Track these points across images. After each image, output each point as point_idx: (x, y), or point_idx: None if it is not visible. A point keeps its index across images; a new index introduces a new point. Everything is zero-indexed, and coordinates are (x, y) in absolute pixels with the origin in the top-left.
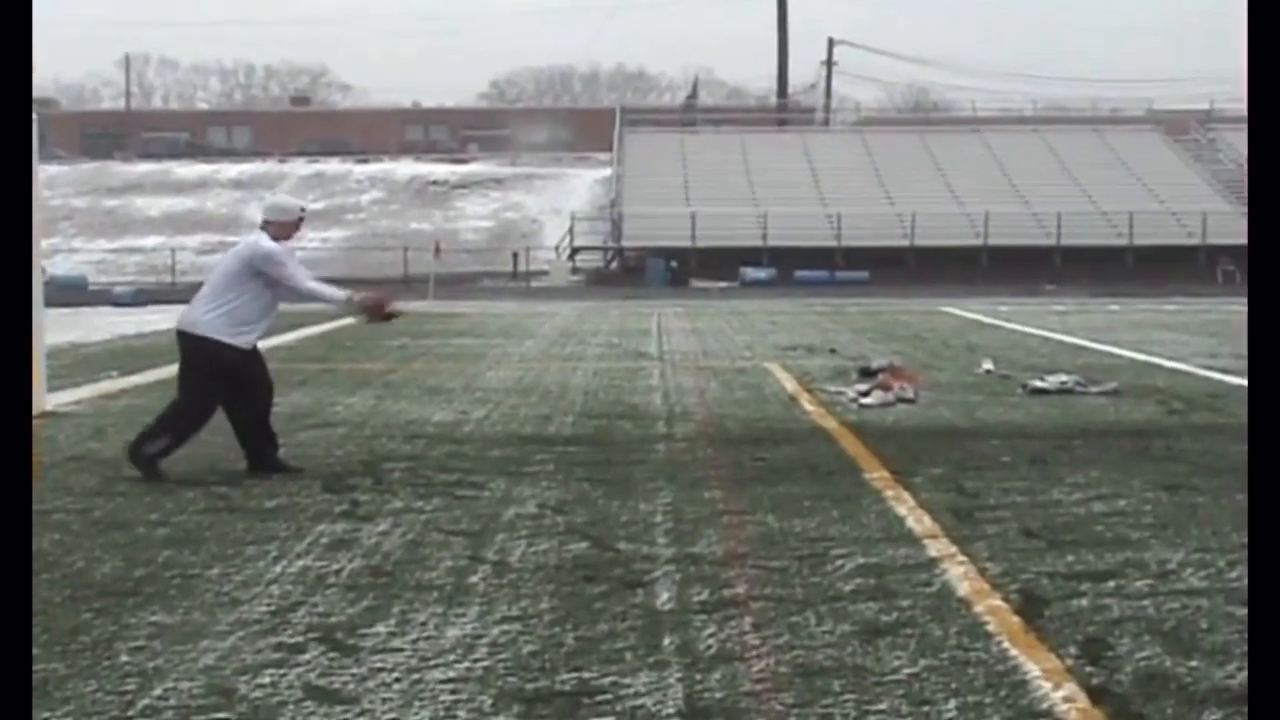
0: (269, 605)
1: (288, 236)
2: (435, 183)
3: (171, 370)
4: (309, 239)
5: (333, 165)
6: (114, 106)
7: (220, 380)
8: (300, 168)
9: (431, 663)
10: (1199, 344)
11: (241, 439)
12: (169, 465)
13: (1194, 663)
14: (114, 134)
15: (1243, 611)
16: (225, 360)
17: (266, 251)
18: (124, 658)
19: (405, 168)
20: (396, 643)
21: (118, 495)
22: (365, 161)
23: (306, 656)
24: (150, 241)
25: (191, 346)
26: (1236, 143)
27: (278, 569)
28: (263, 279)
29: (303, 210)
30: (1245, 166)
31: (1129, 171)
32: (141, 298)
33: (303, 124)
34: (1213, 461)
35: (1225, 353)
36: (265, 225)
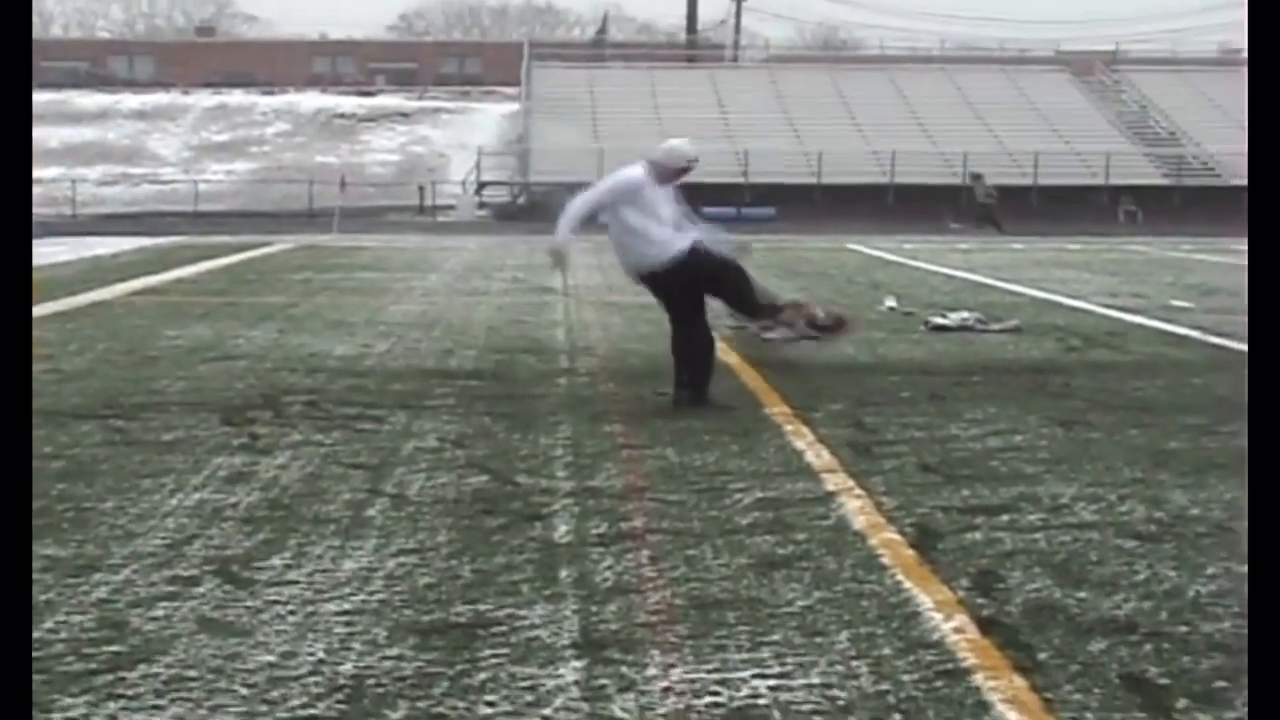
0: (164, 538)
1: (670, 180)
2: (341, 116)
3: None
4: (213, 171)
5: (237, 97)
6: None
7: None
8: (204, 99)
9: (326, 595)
10: (1100, 282)
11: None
12: None
13: (1082, 594)
14: None
15: (1131, 544)
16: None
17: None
18: None
19: (311, 100)
20: (292, 575)
21: None
22: (271, 94)
23: (201, 589)
24: (50, 173)
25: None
26: (1140, 84)
27: (174, 502)
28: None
29: (693, 160)
30: (1146, 108)
31: (1035, 111)
32: (40, 230)
33: (207, 55)
34: (1107, 399)
35: (1124, 291)
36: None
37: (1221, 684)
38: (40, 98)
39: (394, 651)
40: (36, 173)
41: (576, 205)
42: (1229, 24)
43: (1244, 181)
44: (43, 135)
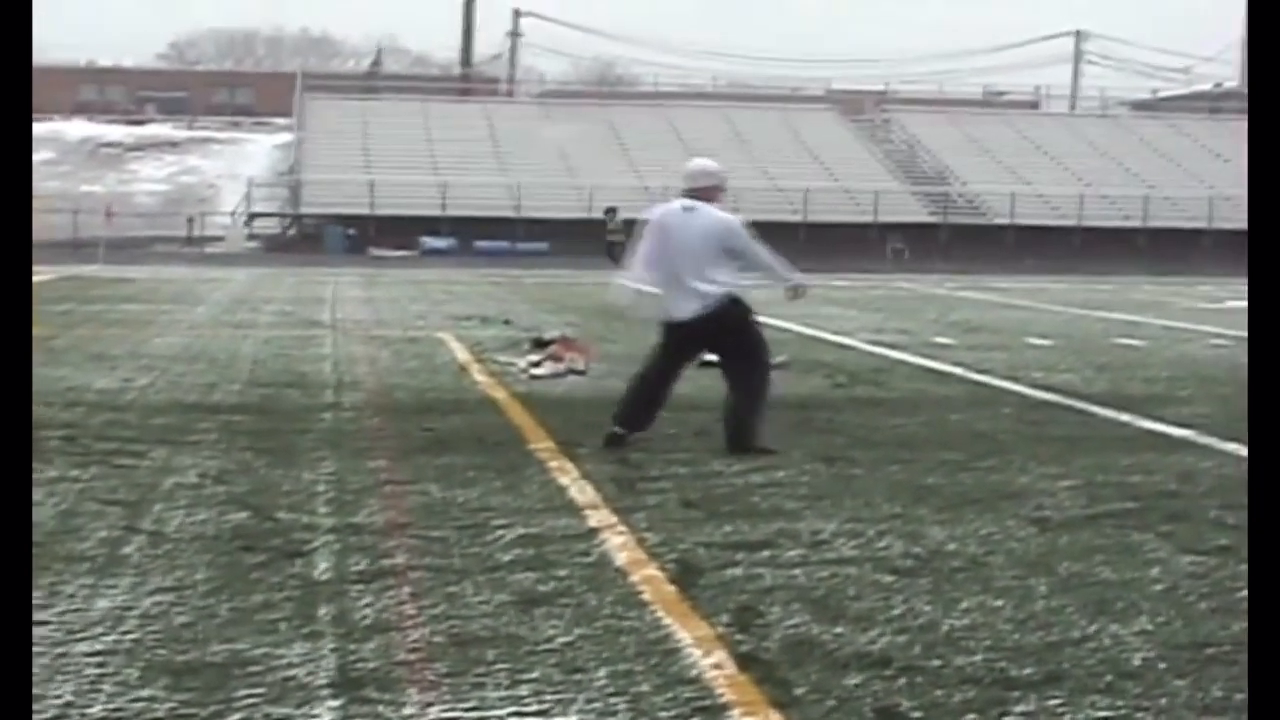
0: None
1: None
2: (109, 144)
3: None
4: None
5: None
6: None
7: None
8: None
9: (78, 635)
10: (866, 319)
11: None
12: None
13: (839, 629)
14: None
15: (889, 578)
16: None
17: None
18: None
19: (78, 128)
20: (42, 615)
21: None
22: (36, 120)
23: None
24: None
25: (721, 314)
26: (908, 123)
27: None
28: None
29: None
30: (914, 147)
31: (805, 149)
32: None
33: None
34: (870, 434)
35: (890, 328)
36: (699, 193)
37: (972, 716)
38: None
39: (146, 692)
40: None
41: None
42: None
43: (1007, 220)
44: None
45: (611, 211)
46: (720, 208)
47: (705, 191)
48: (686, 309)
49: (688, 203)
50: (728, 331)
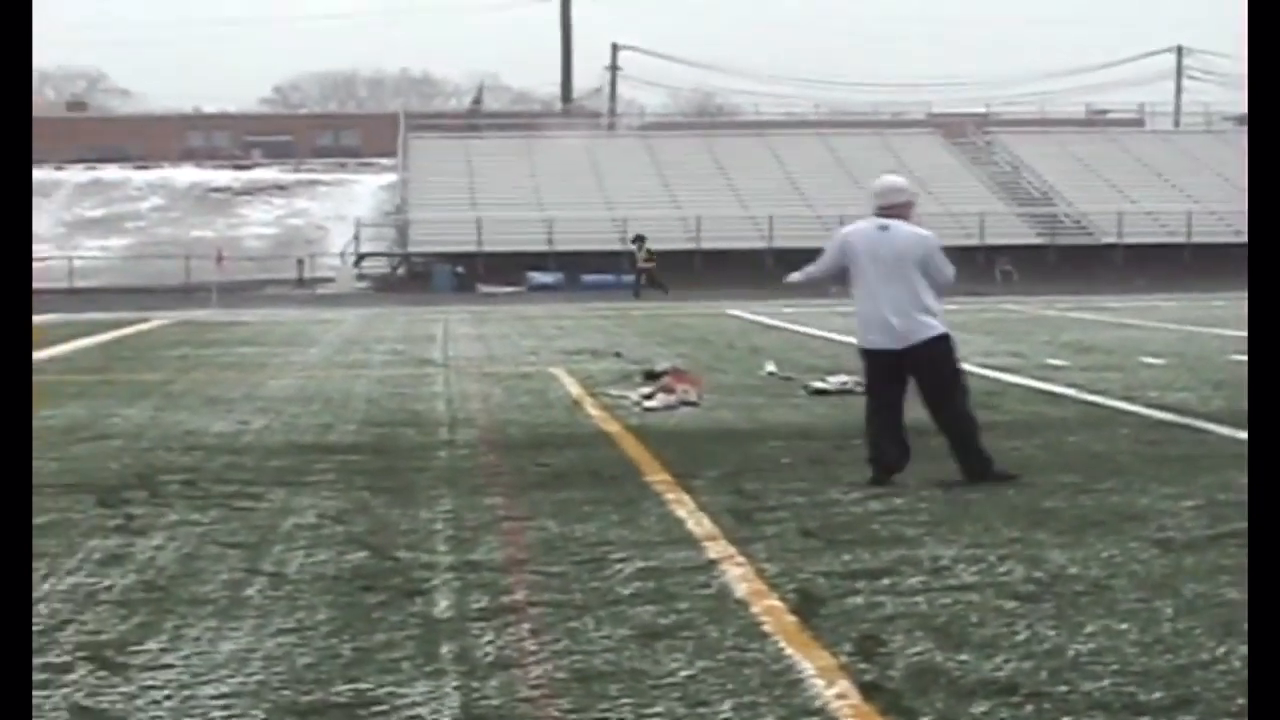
0: (36, 625)
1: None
2: (217, 189)
3: None
4: (87, 247)
5: (111, 172)
6: None
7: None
8: (77, 175)
9: (203, 679)
10: (977, 343)
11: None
12: None
13: (964, 656)
14: None
15: (1011, 604)
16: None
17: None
18: None
19: (186, 174)
20: (168, 659)
21: None
22: (145, 168)
23: (73, 676)
24: None
25: (936, 346)
26: (1011, 145)
27: (46, 586)
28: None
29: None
30: (1018, 168)
31: (909, 173)
32: None
33: (79, 130)
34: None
35: (1001, 350)
36: (891, 210)
37: None
38: None
39: None
40: None
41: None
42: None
43: (1115, 239)
44: None
45: (640, 240)
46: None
47: (898, 209)
48: (885, 339)
49: (882, 221)
50: (932, 366)
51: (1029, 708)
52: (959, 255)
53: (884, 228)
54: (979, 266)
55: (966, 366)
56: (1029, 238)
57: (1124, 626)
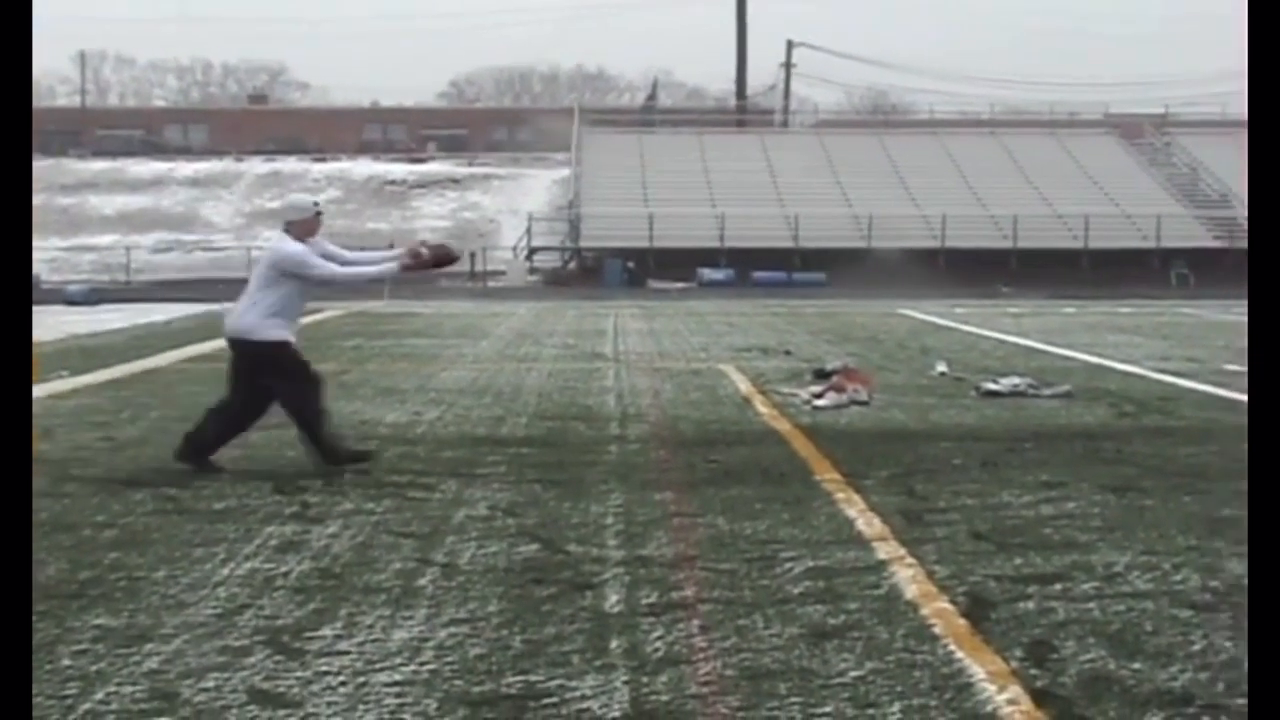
0: (215, 608)
1: (311, 234)
2: (393, 182)
3: (123, 370)
4: (264, 236)
5: (290, 164)
6: (69, 104)
7: (280, 378)
8: (257, 166)
9: (377, 666)
10: (1152, 347)
11: (310, 436)
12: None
13: (1137, 665)
14: (69, 131)
15: (1186, 613)
16: (285, 357)
17: (288, 253)
18: (66, 661)
19: (363, 167)
20: (342, 645)
21: (64, 497)
22: (323, 160)
23: (252, 660)
24: (105, 240)
25: (250, 352)
26: (1190, 146)
27: (225, 571)
28: (297, 278)
29: (317, 205)
30: (1197, 170)
31: (1085, 175)
32: (94, 297)
33: (260, 122)
34: (1161, 464)
35: (1177, 355)
36: (288, 227)
37: None
38: (96, 166)
39: None
40: (92, 240)
41: None
42: None
43: None
44: (98, 203)
45: None
46: None
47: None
48: None
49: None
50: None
51: (1205, 719)
52: (1136, 258)
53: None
54: (1154, 270)
55: (1140, 370)
56: (1206, 241)
57: None
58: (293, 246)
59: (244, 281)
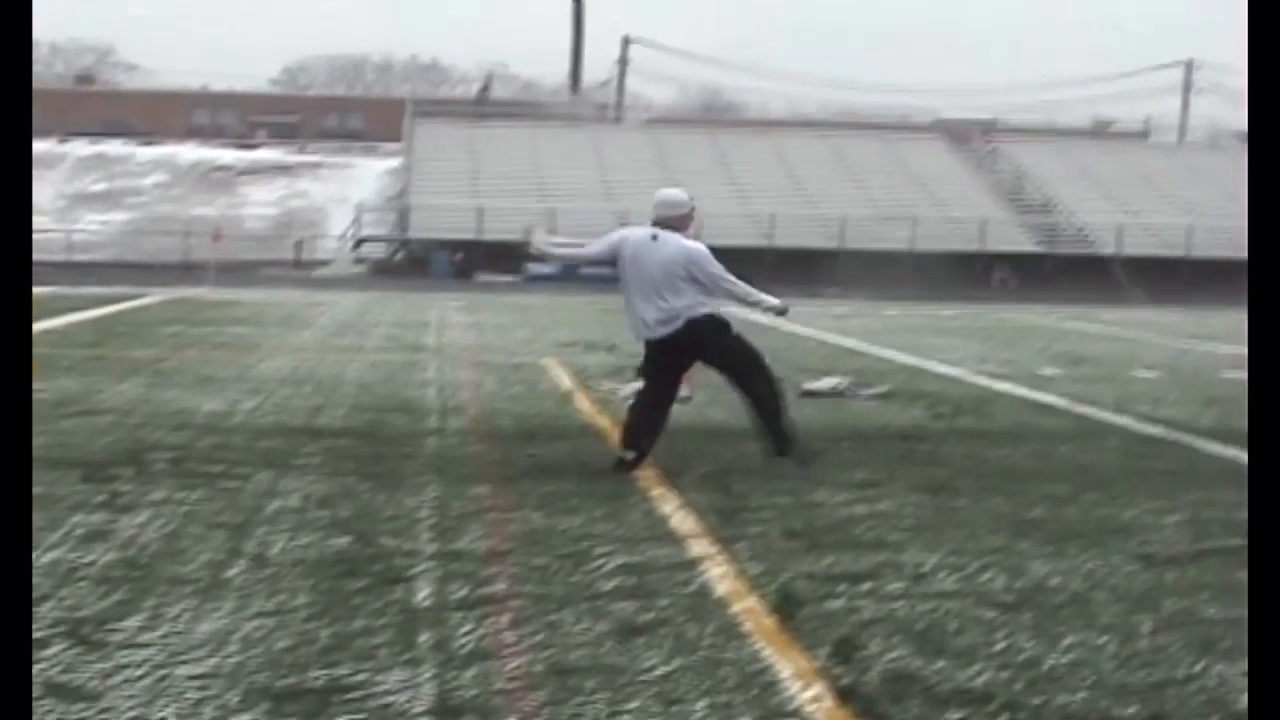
0: None
1: (687, 228)
2: (220, 168)
3: None
4: (87, 220)
5: (115, 147)
6: None
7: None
8: (80, 148)
9: (180, 658)
10: (971, 349)
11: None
12: None
13: (940, 664)
14: None
15: (990, 613)
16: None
17: (704, 254)
18: None
19: (190, 152)
20: (145, 637)
21: None
22: (150, 144)
23: (50, 652)
24: None
25: (702, 329)
26: (1016, 153)
27: None
28: (699, 283)
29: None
30: (1021, 177)
31: (912, 178)
32: None
33: (86, 104)
34: (974, 466)
35: (995, 358)
36: (665, 223)
37: None
38: None
39: (246, 717)
40: None
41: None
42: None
43: (1115, 251)
44: None
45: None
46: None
47: (674, 221)
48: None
49: (654, 231)
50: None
51: (1003, 718)
52: (960, 261)
53: (654, 237)
54: (977, 274)
55: (958, 373)
56: (1028, 246)
57: (1102, 640)
58: (700, 246)
59: (61, 265)
